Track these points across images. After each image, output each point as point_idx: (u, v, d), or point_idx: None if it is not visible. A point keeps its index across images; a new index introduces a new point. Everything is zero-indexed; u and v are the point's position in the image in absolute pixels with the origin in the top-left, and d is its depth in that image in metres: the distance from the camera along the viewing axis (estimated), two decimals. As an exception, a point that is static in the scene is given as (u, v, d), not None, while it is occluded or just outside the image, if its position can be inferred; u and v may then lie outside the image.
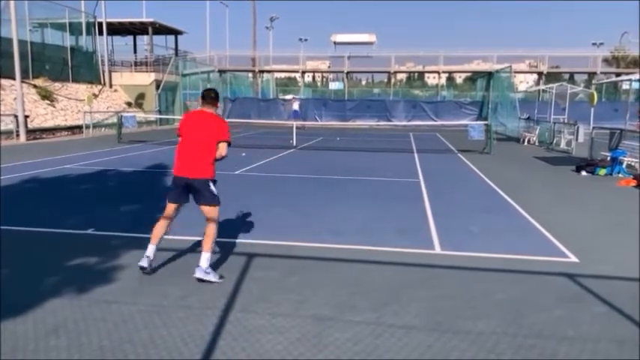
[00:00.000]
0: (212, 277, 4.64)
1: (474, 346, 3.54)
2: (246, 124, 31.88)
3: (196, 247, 5.84)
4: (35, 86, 25.23)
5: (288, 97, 41.66)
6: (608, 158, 12.73)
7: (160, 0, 79.72)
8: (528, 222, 7.34)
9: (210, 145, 4.68)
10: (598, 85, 33.59)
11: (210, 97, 4.86)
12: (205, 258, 4.64)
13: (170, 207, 4.87)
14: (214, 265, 5.21)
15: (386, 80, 51.35)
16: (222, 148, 4.72)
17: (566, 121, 21.36)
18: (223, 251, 5.70)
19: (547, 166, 14.24)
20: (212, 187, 4.74)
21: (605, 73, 41.79)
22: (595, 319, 4.01)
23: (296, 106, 33.05)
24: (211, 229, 4.71)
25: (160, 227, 4.88)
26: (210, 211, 4.75)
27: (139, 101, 32.93)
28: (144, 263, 4.77)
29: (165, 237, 6.13)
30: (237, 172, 12.13)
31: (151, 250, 4.82)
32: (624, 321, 3.98)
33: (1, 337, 3.55)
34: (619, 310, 4.16)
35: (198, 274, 4.60)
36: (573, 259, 5.58)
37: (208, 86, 39.94)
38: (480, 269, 5.20)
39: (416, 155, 16.69)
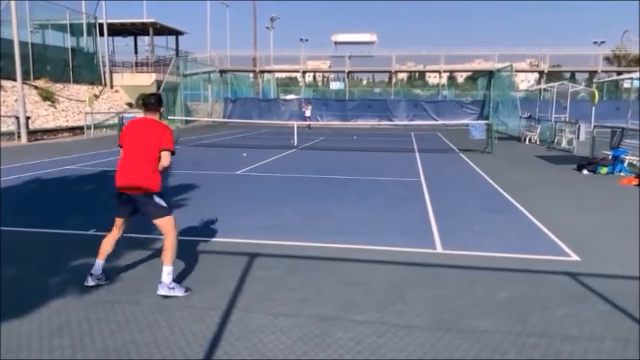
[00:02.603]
0: (177, 291, 4.31)
1: (477, 344, 3.54)
2: (247, 125, 31.93)
3: (197, 245, 5.85)
4: (36, 87, 25.28)
5: (290, 96, 41.80)
6: (610, 157, 12.71)
7: (161, 0, 79.60)
8: (530, 221, 7.33)
9: (153, 154, 4.31)
10: (599, 83, 33.57)
11: (150, 102, 4.48)
12: (166, 272, 4.29)
13: (117, 221, 4.59)
14: (215, 267, 5.23)
15: (387, 80, 51.39)
16: (165, 158, 4.34)
17: (567, 119, 21.33)
18: (226, 251, 5.71)
19: (548, 165, 14.23)
20: (157, 199, 4.36)
21: (606, 72, 41.77)
22: (598, 317, 4.01)
23: (308, 112, 33.85)
24: (168, 242, 4.35)
25: (107, 242, 4.59)
26: (162, 223, 4.39)
27: (139, 102, 32.94)
28: (90, 283, 4.47)
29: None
30: (238, 172, 12.14)
31: (98, 266, 4.53)
32: (627, 320, 3.98)
33: (0, 337, 3.56)
34: (622, 309, 4.15)
35: (161, 291, 4.27)
36: (575, 257, 5.57)
37: (209, 87, 40.18)
38: (482, 268, 5.20)
39: (417, 155, 16.68)
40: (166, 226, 4.39)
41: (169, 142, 4.35)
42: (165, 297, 4.27)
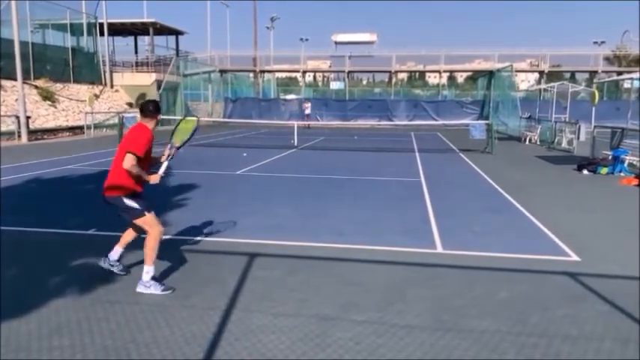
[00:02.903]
0: (153, 289, 4.41)
1: (476, 344, 3.54)
2: (248, 124, 31.95)
3: (197, 245, 5.85)
4: (37, 87, 25.27)
5: (290, 96, 41.90)
6: (610, 157, 12.71)
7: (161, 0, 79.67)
8: (530, 221, 7.33)
9: (120, 158, 4.36)
10: (599, 83, 33.61)
11: (148, 109, 4.52)
12: (145, 271, 4.43)
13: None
14: (214, 267, 5.23)
15: (387, 80, 51.35)
16: (125, 160, 4.28)
17: (567, 120, 21.34)
18: (225, 251, 5.71)
19: (549, 165, 14.23)
20: (126, 201, 4.42)
21: (606, 72, 41.78)
22: (598, 318, 4.01)
23: (308, 110, 34.22)
24: (147, 240, 4.46)
25: (127, 233, 4.81)
26: (139, 223, 4.51)
27: (140, 102, 32.95)
28: (102, 264, 4.73)
29: (169, 237, 6.17)
30: (238, 172, 12.14)
31: (115, 252, 4.76)
32: (627, 320, 3.98)
33: (1, 337, 3.56)
34: (621, 309, 4.15)
35: (138, 288, 4.43)
36: (575, 258, 5.57)
37: (209, 87, 40.18)
38: (482, 268, 5.20)
39: (417, 155, 16.68)
40: (144, 225, 4.50)
41: (136, 146, 4.32)
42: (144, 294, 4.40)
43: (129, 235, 4.79)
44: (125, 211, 4.48)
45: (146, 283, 4.43)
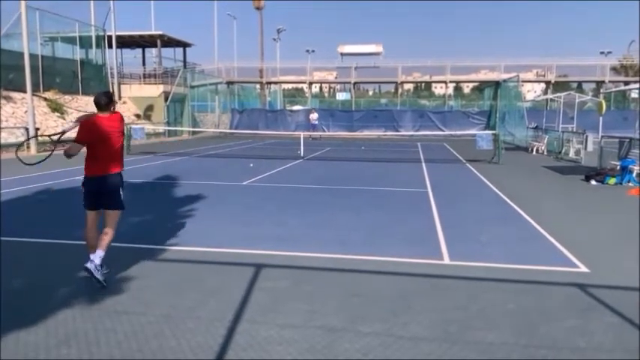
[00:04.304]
0: (98, 275, 4.72)
1: (484, 356, 3.51)
2: (254, 135, 32.07)
3: (203, 256, 5.86)
4: (46, 99, 25.56)
5: (297, 107, 42.08)
6: (618, 167, 12.64)
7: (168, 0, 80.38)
8: (538, 232, 7.29)
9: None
10: (606, 93, 33.49)
11: (99, 102, 5.01)
12: (98, 256, 4.78)
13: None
14: (220, 278, 5.24)
15: (393, 90, 51.52)
16: None
17: (574, 130, 21.27)
18: (231, 261, 5.71)
19: (556, 176, 14.17)
20: (121, 191, 5.06)
21: (613, 82, 41.68)
22: (607, 329, 3.97)
23: (314, 119, 34.25)
24: (110, 231, 4.99)
25: (90, 238, 5.06)
26: (115, 216, 5.08)
27: (147, 113, 33.24)
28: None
29: (176, 248, 6.20)
30: (245, 183, 12.18)
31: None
32: (637, 331, 3.93)
33: (1, 341, 3.58)
34: (631, 321, 4.11)
35: (95, 274, 4.72)
36: (584, 269, 5.53)
37: (216, 98, 40.44)
38: (489, 279, 5.17)
39: (424, 165, 16.67)
40: (117, 218, 5.05)
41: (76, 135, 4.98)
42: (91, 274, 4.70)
43: (93, 239, 4.96)
44: (116, 198, 4.97)
45: (98, 267, 4.74)
